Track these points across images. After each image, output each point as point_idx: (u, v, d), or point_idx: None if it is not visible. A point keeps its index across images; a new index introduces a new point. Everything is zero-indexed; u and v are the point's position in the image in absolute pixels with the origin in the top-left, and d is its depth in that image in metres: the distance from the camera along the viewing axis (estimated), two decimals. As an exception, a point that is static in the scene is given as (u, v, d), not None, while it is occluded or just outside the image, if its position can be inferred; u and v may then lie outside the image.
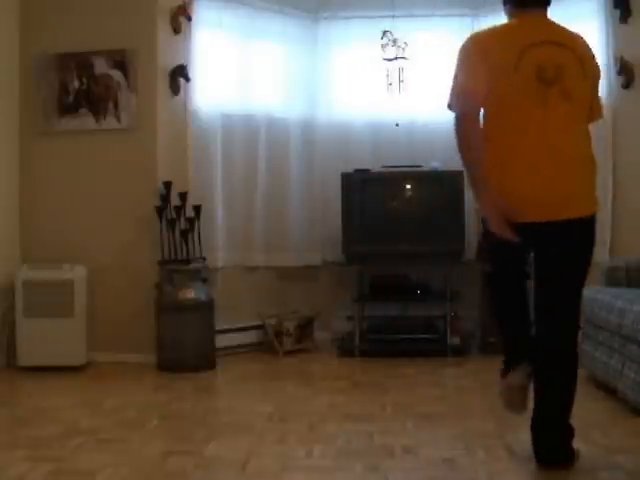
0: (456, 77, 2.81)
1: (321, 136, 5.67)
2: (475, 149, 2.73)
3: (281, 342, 5.29)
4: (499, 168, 2.72)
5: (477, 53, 2.78)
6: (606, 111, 4.93)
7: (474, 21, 5.56)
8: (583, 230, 2.79)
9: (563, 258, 2.80)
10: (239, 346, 5.32)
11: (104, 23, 5.00)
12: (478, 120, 2.77)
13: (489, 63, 2.72)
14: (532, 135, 2.71)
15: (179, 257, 4.94)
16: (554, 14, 5.18)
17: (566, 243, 2.78)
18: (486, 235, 2.88)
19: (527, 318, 2.96)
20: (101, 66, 5.01)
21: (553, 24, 2.89)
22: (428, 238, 5.20)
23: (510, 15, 2.94)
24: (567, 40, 2.82)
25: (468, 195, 5.28)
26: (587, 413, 3.58)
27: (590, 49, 2.88)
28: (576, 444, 2.88)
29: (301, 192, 5.62)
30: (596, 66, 2.88)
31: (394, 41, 5.27)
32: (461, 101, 2.77)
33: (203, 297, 4.85)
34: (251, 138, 5.44)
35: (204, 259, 5.02)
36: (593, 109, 2.88)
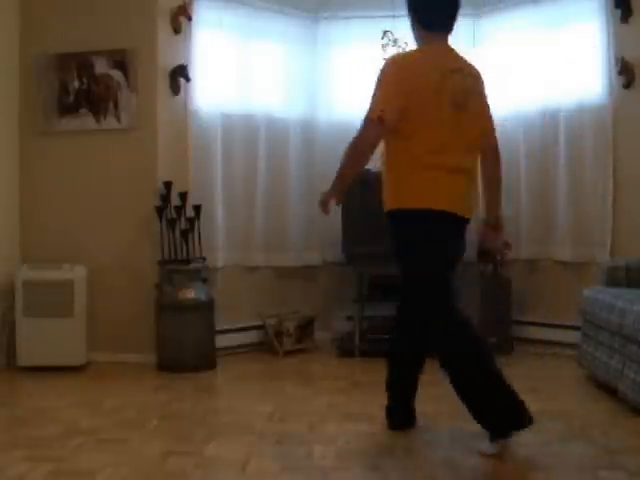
0: (374, 96, 3.13)
1: (321, 136, 5.67)
2: (364, 159, 3.28)
3: (281, 342, 5.29)
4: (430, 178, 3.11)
5: (396, 77, 3.10)
6: (607, 111, 4.99)
7: (475, 21, 5.56)
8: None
9: None
10: (239, 346, 5.32)
11: (104, 23, 5.00)
12: (380, 139, 3.19)
13: (407, 87, 3.05)
14: (447, 154, 3.07)
15: (179, 257, 4.93)
16: (555, 15, 5.18)
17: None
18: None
19: None
20: (101, 66, 5.01)
21: (455, 51, 3.22)
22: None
23: (419, 38, 3.26)
24: (468, 67, 3.20)
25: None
26: (588, 413, 3.58)
27: (479, 75, 3.26)
28: (576, 444, 2.88)
29: (301, 192, 5.62)
30: (484, 89, 3.25)
31: (394, 41, 5.27)
32: (375, 122, 3.10)
33: (203, 297, 4.85)
34: (251, 138, 5.44)
35: (204, 259, 5.02)
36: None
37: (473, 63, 3.29)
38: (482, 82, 3.27)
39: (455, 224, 3.19)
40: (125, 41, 4.97)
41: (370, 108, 3.13)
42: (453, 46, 3.26)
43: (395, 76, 3.11)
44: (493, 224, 3.38)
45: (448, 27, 3.21)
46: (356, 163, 3.29)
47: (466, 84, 3.14)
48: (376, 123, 3.09)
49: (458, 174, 3.13)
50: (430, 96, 3.06)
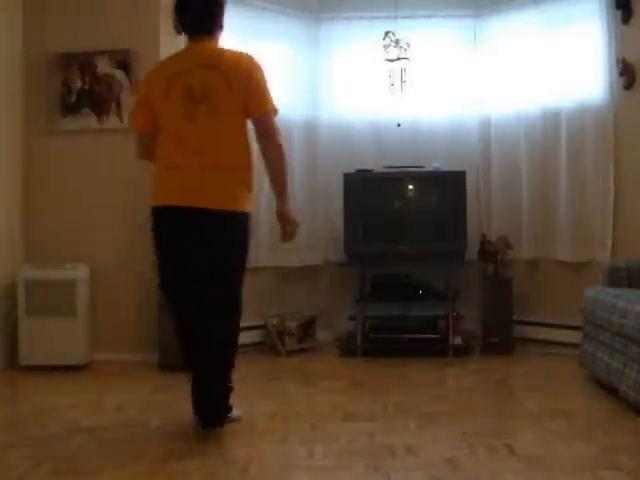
0: (135, 105, 3.42)
1: (323, 136, 5.68)
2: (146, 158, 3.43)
3: (283, 342, 5.30)
4: (158, 176, 3.27)
5: (143, 86, 3.39)
6: (607, 112, 4.99)
7: (475, 22, 5.57)
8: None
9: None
10: (241, 346, 5.27)
11: (107, 23, 5.01)
12: (146, 141, 3.38)
13: (150, 94, 3.29)
14: (180, 148, 3.20)
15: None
16: (556, 16, 5.22)
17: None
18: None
19: None
20: (104, 66, 5.02)
21: (208, 49, 3.30)
22: (430, 238, 5.21)
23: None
24: (215, 62, 3.22)
25: (469, 195, 5.30)
26: (589, 413, 3.59)
27: (239, 63, 3.25)
28: (577, 443, 2.88)
29: (303, 192, 5.62)
30: (244, 75, 3.22)
31: (396, 42, 5.27)
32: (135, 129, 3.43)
33: (205, 297, 4.85)
34: (252, 138, 5.43)
35: (206, 259, 5.02)
36: (248, 107, 3.24)
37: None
38: (228, 71, 3.22)
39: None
40: (127, 41, 4.98)
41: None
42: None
43: (142, 83, 3.50)
44: (279, 219, 3.40)
45: (200, 31, 3.32)
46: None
47: (205, 78, 3.20)
48: (134, 126, 3.48)
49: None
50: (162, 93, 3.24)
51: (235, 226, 3.25)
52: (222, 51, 3.32)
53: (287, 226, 3.40)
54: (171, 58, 3.39)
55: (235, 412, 3.42)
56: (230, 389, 3.33)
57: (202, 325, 3.27)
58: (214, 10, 3.37)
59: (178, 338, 3.35)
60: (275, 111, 3.29)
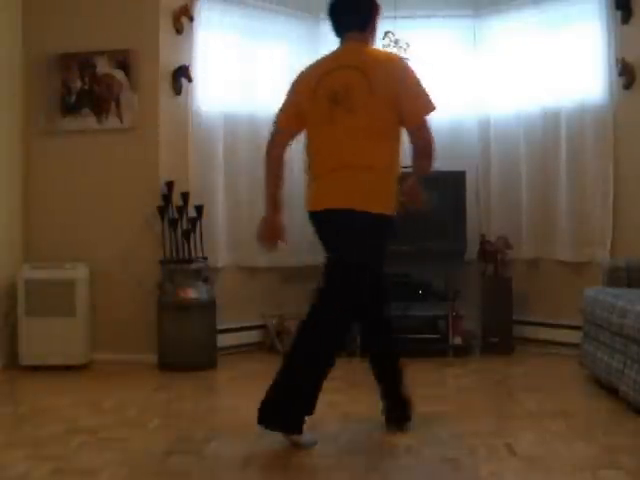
0: (282, 105, 3.42)
1: (323, 136, 5.67)
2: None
3: (282, 342, 5.30)
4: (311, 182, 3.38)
5: (291, 88, 3.37)
6: (607, 112, 4.99)
7: (475, 22, 5.57)
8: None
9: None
10: (240, 345, 5.33)
11: (106, 23, 5.02)
12: (280, 144, 3.44)
13: (298, 95, 3.30)
14: (323, 148, 3.23)
15: (181, 257, 4.94)
16: (555, 16, 5.20)
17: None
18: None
19: None
20: (103, 66, 5.02)
21: (354, 49, 3.24)
22: (430, 238, 5.21)
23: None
24: (358, 62, 3.16)
25: (469, 195, 5.30)
26: (588, 413, 3.59)
27: (384, 64, 3.18)
28: (577, 443, 2.88)
29: (302, 192, 5.60)
30: (387, 76, 3.13)
31: (396, 42, 5.27)
32: (273, 128, 3.45)
33: (204, 297, 4.86)
34: (253, 138, 5.44)
35: (206, 259, 5.03)
36: (400, 111, 3.15)
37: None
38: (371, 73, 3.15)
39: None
40: (127, 41, 4.99)
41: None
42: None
43: (292, 85, 3.43)
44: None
45: (349, 27, 3.26)
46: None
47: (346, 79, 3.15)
48: (276, 125, 3.54)
49: None
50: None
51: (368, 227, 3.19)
52: (368, 51, 3.25)
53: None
54: (320, 60, 3.36)
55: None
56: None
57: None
58: (364, 10, 3.29)
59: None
60: (431, 109, 3.20)
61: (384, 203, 3.18)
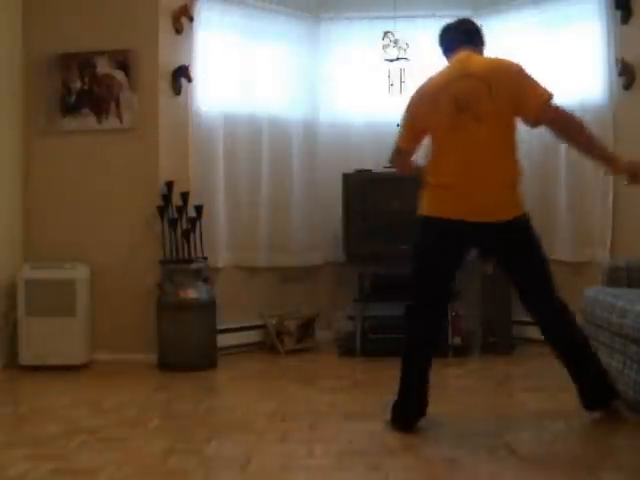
0: (401, 125, 3.56)
1: (323, 136, 5.68)
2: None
3: (282, 342, 5.30)
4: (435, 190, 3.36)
5: (410, 106, 3.48)
6: (607, 112, 4.99)
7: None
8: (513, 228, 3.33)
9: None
10: (240, 345, 5.33)
11: (106, 23, 5.02)
12: (404, 165, 3.64)
13: (416, 111, 3.43)
14: (451, 156, 3.28)
15: (181, 257, 4.95)
16: (555, 16, 5.18)
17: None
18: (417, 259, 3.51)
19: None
20: (103, 66, 5.02)
21: (470, 58, 3.38)
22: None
23: (447, 59, 3.52)
24: (475, 70, 3.29)
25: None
26: (588, 413, 3.58)
27: (498, 68, 3.33)
28: (577, 444, 2.88)
29: (303, 192, 5.63)
30: (505, 79, 3.26)
31: (395, 42, 5.28)
32: (397, 147, 3.57)
33: (204, 297, 4.86)
34: (253, 138, 5.45)
35: (205, 259, 5.03)
36: (523, 107, 3.24)
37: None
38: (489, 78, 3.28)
39: None
40: (127, 41, 4.99)
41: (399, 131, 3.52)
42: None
43: (409, 104, 3.55)
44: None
45: (462, 43, 3.48)
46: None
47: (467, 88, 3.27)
48: (398, 147, 3.64)
49: None
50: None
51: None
52: (482, 59, 3.43)
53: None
54: (438, 72, 3.45)
55: None
56: None
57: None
58: (476, 29, 3.58)
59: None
60: (551, 95, 3.25)
61: (521, 205, 3.35)
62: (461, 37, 3.50)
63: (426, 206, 3.39)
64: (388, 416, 3.38)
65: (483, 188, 3.24)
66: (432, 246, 3.41)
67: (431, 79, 3.43)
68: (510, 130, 3.30)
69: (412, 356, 3.44)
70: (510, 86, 3.23)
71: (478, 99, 3.22)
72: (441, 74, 3.41)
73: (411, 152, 3.55)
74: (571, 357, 3.49)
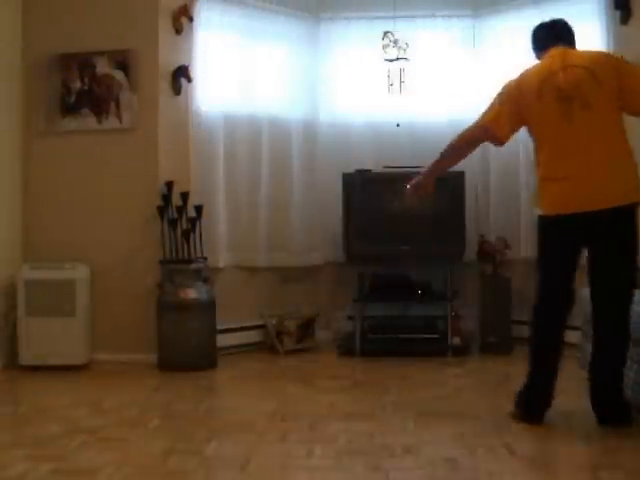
0: (492, 104, 3.49)
1: (322, 136, 5.68)
2: (462, 153, 3.65)
3: (282, 342, 5.30)
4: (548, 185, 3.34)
5: (506, 94, 3.46)
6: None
7: (475, 22, 5.57)
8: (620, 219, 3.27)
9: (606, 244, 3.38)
10: (240, 345, 5.33)
11: (106, 23, 5.02)
12: (478, 142, 3.61)
13: (518, 101, 3.40)
14: (563, 147, 3.28)
15: (180, 257, 4.95)
16: (555, 16, 5.20)
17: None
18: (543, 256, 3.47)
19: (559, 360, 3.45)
20: (103, 66, 5.02)
21: (570, 51, 3.46)
22: (429, 238, 5.21)
23: (538, 58, 3.55)
24: (580, 60, 3.35)
25: (468, 195, 5.31)
26: (588, 413, 3.58)
27: (600, 58, 3.43)
28: (576, 444, 2.88)
29: (303, 192, 5.63)
30: (609, 68, 3.33)
31: (395, 42, 5.28)
32: (481, 123, 3.49)
33: (204, 297, 4.86)
34: (253, 138, 5.45)
35: (205, 259, 5.03)
36: (627, 100, 3.30)
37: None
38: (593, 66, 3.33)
39: None
40: (127, 41, 4.99)
41: (488, 107, 3.52)
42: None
43: (507, 89, 3.54)
44: None
45: (556, 40, 3.52)
46: (460, 151, 3.68)
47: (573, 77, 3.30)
48: (485, 124, 3.54)
49: None
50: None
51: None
52: (579, 51, 3.50)
53: None
54: (535, 66, 3.48)
55: None
56: None
57: None
58: (569, 29, 3.61)
59: None
60: None
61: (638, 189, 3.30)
62: (555, 35, 3.54)
63: (545, 204, 3.38)
64: (512, 409, 3.50)
65: (598, 174, 3.23)
66: (553, 245, 3.42)
67: (528, 72, 3.45)
68: (619, 114, 3.32)
69: (542, 355, 3.48)
70: (612, 73, 3.29)
71: (585, 86, 3.25)
72: (540, 67, 3.43)
73: (490, 136, 3.51)
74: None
